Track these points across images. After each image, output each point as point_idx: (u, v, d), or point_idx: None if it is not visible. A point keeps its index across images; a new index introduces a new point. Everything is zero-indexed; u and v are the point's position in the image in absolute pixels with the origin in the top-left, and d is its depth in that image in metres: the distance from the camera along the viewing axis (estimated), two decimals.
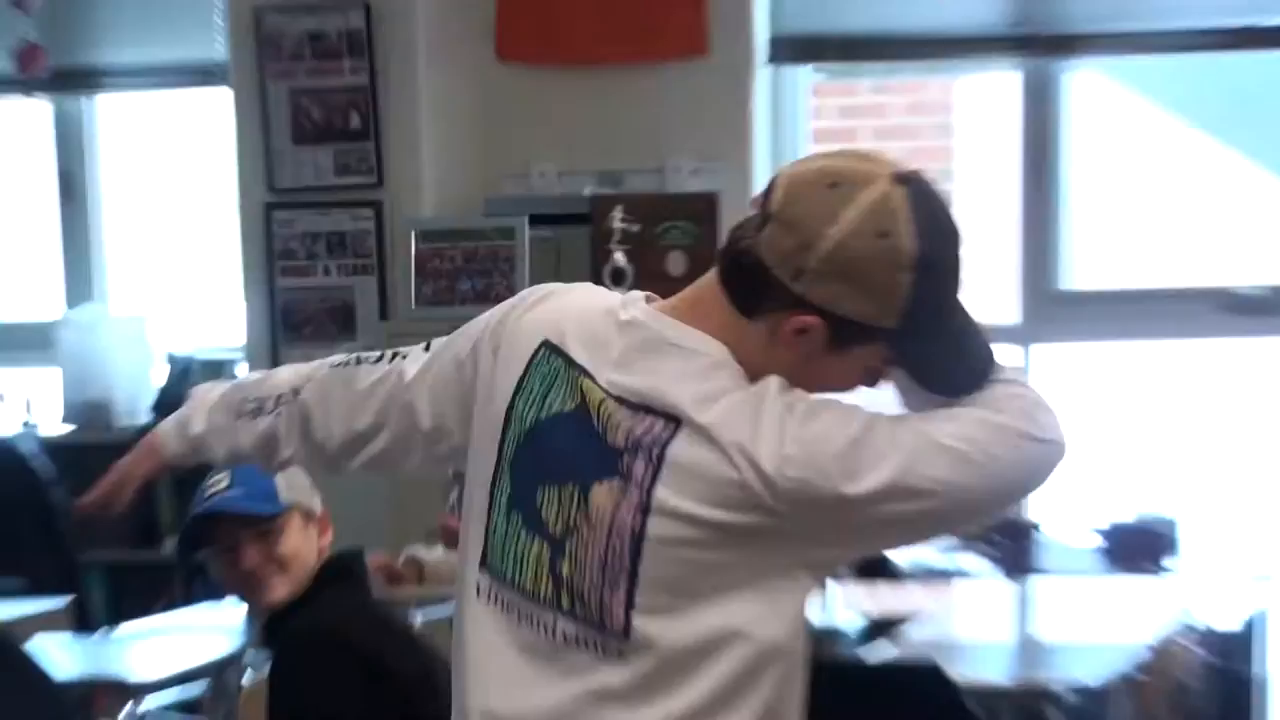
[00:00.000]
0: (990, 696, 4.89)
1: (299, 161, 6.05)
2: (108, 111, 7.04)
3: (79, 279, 7.13)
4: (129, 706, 5.31)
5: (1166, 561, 6.10)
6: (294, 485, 3.73)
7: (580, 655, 2.28)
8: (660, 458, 2.16)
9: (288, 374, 2.62)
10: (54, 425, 6.86)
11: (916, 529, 2.24)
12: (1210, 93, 6.90)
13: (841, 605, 6.08)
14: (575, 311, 2.34)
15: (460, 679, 2.45)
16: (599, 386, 2.24)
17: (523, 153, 6.26)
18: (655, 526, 2.17)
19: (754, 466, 2.11)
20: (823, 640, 6.12)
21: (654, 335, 2.22)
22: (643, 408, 2.19)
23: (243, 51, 6.12)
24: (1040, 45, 6.09)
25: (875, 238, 2.10)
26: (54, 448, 6.65)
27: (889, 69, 6.71)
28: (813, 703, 2.71)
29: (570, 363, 2.27)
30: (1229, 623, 5.65)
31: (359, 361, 2.54)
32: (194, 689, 5.68)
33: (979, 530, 6.13)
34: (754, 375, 2.18)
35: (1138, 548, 6.13)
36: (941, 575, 6.26)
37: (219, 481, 3.58)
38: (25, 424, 6.86)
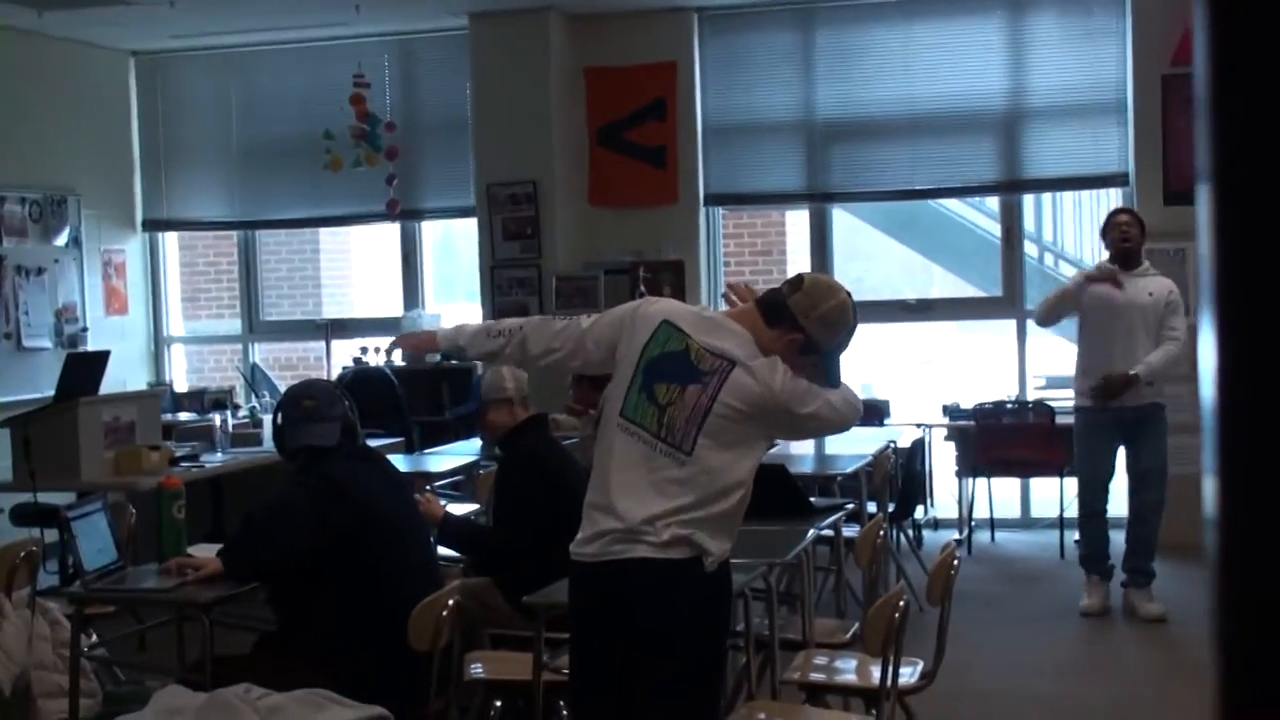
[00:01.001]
0: (807, 479, 8.01)
1: (507, 249, 11.64)
2: (425, 229, 12.64)
3: (411, 298, 12.37)
4: (427, 486, 7.85)
5: (884, 419, 11.01)
6: (491, 388, 6.29)
7: (664, 459, 4.04)
8: (725, 377, 3.98)
9: (514, 321, 4.37)
10: (397, 362, 11.61)
11: (810, 432, 4.54)
12: (889, 216, 13.24)
13: None
14: (680, 308, 4.18)
15: (604, 470, 4.11)
16: (695, 341, 4.03)
17: (600, 242, 11.66)
18: (716, 409, 3.99)
19: (769, 388, 3.98)
20: None
21: (722, 323, 4.08)
22: (717, 355, 4.01)
23: (481, 201, 11.65)
24: (819, 197, 11.68)
25: (838, 314, 4.08)
26: (398, 372, 11.56)
27: (756, 208, 12.75)
28: None
29: (680, 330, 4.05)
30: (907, 444, 9.82)
31: (553, 317, 4.34)
32: (459, 478, 9.00)
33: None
34: (763, 352, 4.04)
35: (869, 413, 10.40)
36: None
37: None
38: (385, 362, 11.74)
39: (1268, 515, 0.72)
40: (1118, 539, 8.95)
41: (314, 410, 5.54)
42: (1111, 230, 8.90)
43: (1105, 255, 9.03)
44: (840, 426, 4.26)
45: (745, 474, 4.14)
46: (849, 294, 4.24)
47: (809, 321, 4.11)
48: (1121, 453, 8.93)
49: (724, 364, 4.05)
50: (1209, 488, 0.75)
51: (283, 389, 7.66)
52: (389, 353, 9.21)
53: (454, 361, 11.88)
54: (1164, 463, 8.84)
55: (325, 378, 12.03)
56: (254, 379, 12.13)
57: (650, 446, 4.06)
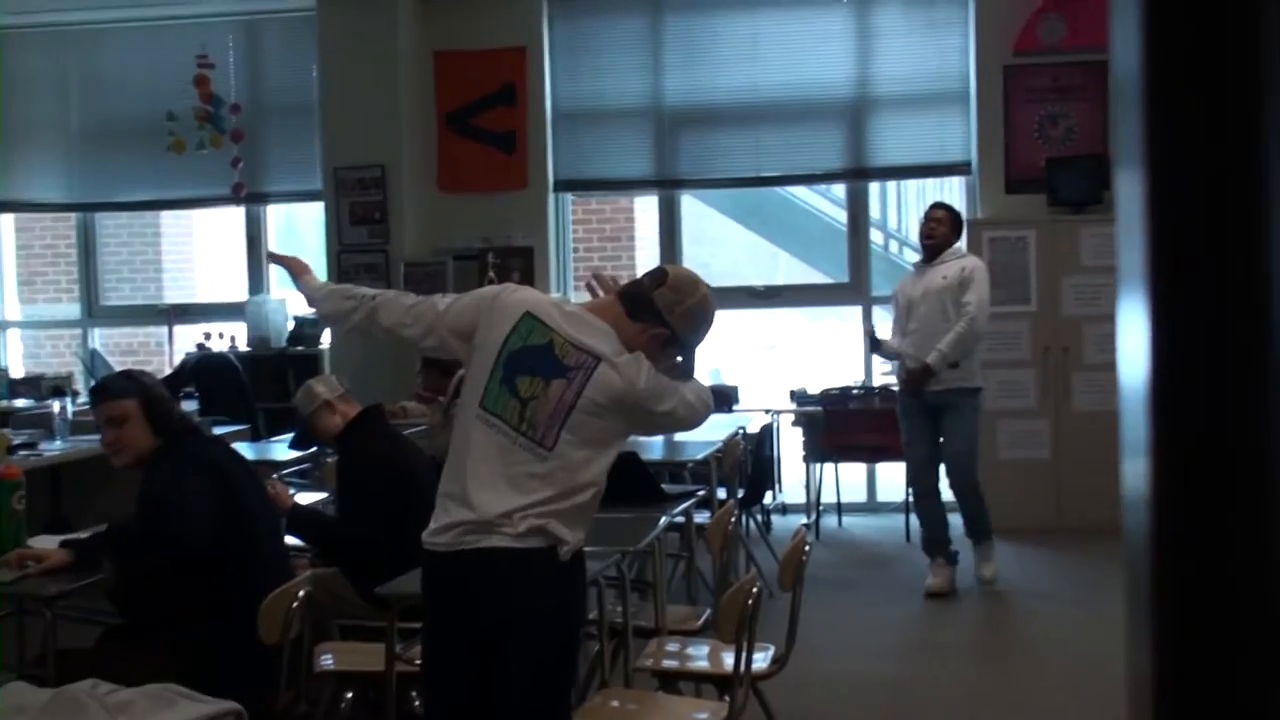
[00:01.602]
0: (658, 466, 7.95)
1: (355, 233, 11.58)
2: (270, 213, 12.49)
3: (255, 283, 12.36)
4: (274, 475, 7.47)
5: (733, 406, 11.17)
6: (305, 401, 6.27)
7: (523, 454, 4.00)
8: (590, 373, 3.97)
9: (369, 290, 4.34)
10: (242, 347, 11.78)
11: (665, 429, 4.31)
12: (736, 203, 13.34)
13: None
14: (542, 300, 4.12)
15: (460, 461, 4.06)
16: (560, 335, 4.00)
17: (449, 228, 11.63)
18: (581, 404, 3.98)
19: (633, 385, 3.99)
20: None
21: (585, 317, 4.05)
22: (583, 350, 4.00)
23: (329, 185, 11.56)
24: (667, 184, 11.78)
25: (702, 309, 4.10)
26: (242, 357, 11.59)
27: (605, 194, 12.74)
28: None
29: (543, 323, 4.03)
30: (756, 430, 9.83)
31: (409, 294, 4.31)
32: (306, 465, 8.80)
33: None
34: (626, 346, 4.02)
35: (718, 399, 11.77)
36: None
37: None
38: (230, 347, 11.84)
39: (1201, 496, 0.73)
40: (956, 520, 9.10)
41: (168, 392, 5.51)
42: (921, 225, 9.13)
43: (915, 257, 9.51)
44: (694, 423, 4.20)
45: (604, 469, 4.13)
46: (708, 287, 4.22)
47: (674, 317, 4.10)
48: None
49: (590, 360, 4.03)
50: (1135, 470, 0.74)
51: None
52: (269, 261, 8.98)
53: (300, 347, 11.82)
54: (968, 446, 8.94)
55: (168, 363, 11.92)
56: (93, 365, 11.90)
57: (510, 439, 4.03)
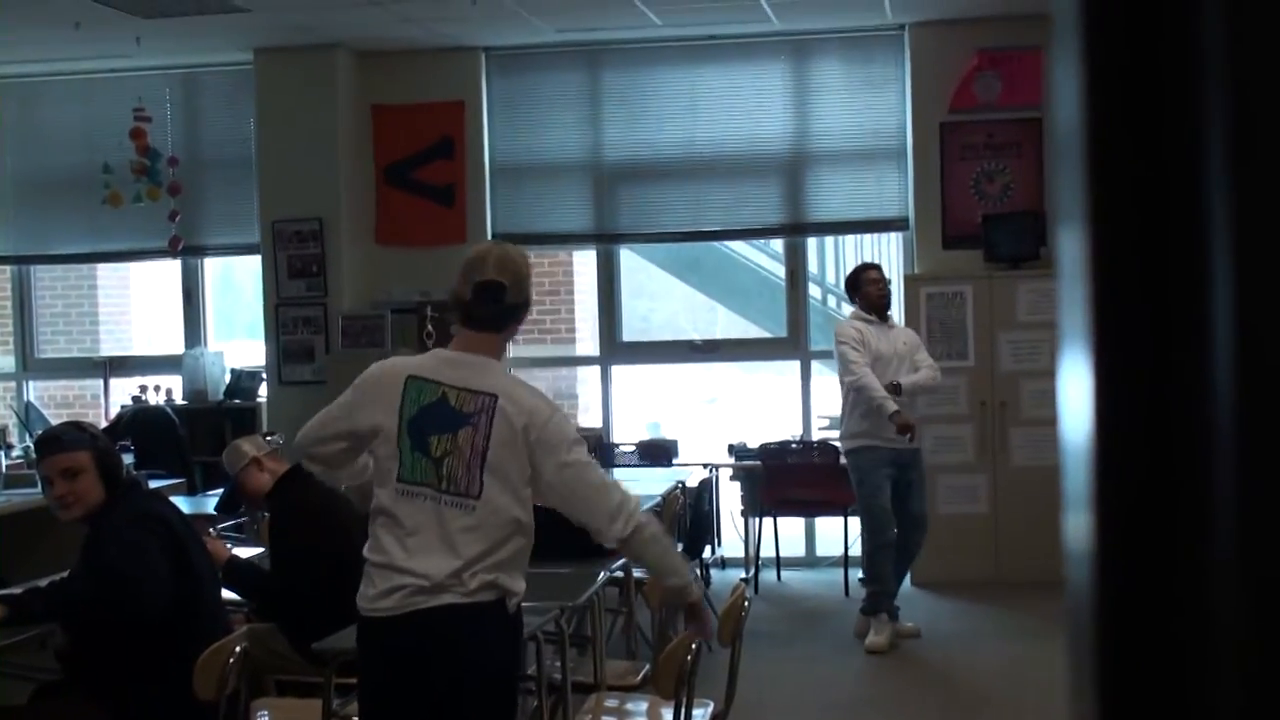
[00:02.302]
0: None
1: (293, 286, 11.57)
2: (208, 265, 12.46)
3: (193, 336, 12.29)
4: (211, 529, 7.60)
5: (671, 460, 11.23)
6: (232, 461, 6.28)
7: (453, 510, 4.03)
8: (492, 414, 4.02)
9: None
10: (178, 400, 11.75)
11: (567, 483, 4.09)
12: (675, 257, 13.41)
13: None
14: (416, 361, 4.18)
15: (391, 537, 4.08)
16: (449, 386, 4.01)
17: (387, 280, 11.64)
18: (493, 444, 4.04)
19: (534, 414, 4.08)
20: None
21: (466, 360, 4.08)
22: (478, 393, 4.02)
23: (266, 238, 11.58)
24: (605, 238, 11.79)
25: (524, 264, 4.27)
26: (179, 410, 11.53)
27: (544, 248, 12.82)
28: None
29: (429, 381, 4.05)
30: (695, 484, 9.87)
31: (322, 422, 4.27)
32: (243, 519, 8.58)
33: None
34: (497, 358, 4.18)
35: (657, 453, 11.35)
36: None
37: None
38: (166, 400, 11.82)
39: (1143, 550, 0.72)
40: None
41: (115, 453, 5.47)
42: (868, 286, 9.23)
43: (849, 309, 9.48)
44: (607, 498, 4.16)
45: (530, 508, 4.16)
46: (506, 245, 4.42)
47: (525, 295, 4.27)
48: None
49: (487, 399, 4.07)
50: (1077, 524, 0.75)
51: None
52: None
53: (237, 400, 11.77)
54: (926, 506, 9.28)
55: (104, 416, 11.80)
56: (28, 418, 11.79)
57: (436, 502, 4.07)
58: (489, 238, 11.72)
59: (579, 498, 4.11)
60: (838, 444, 10.35)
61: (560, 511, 4.22)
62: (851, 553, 10.47)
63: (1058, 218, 0.75)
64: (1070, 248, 0.72)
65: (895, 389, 8.83)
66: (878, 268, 9.44)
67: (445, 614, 4.02)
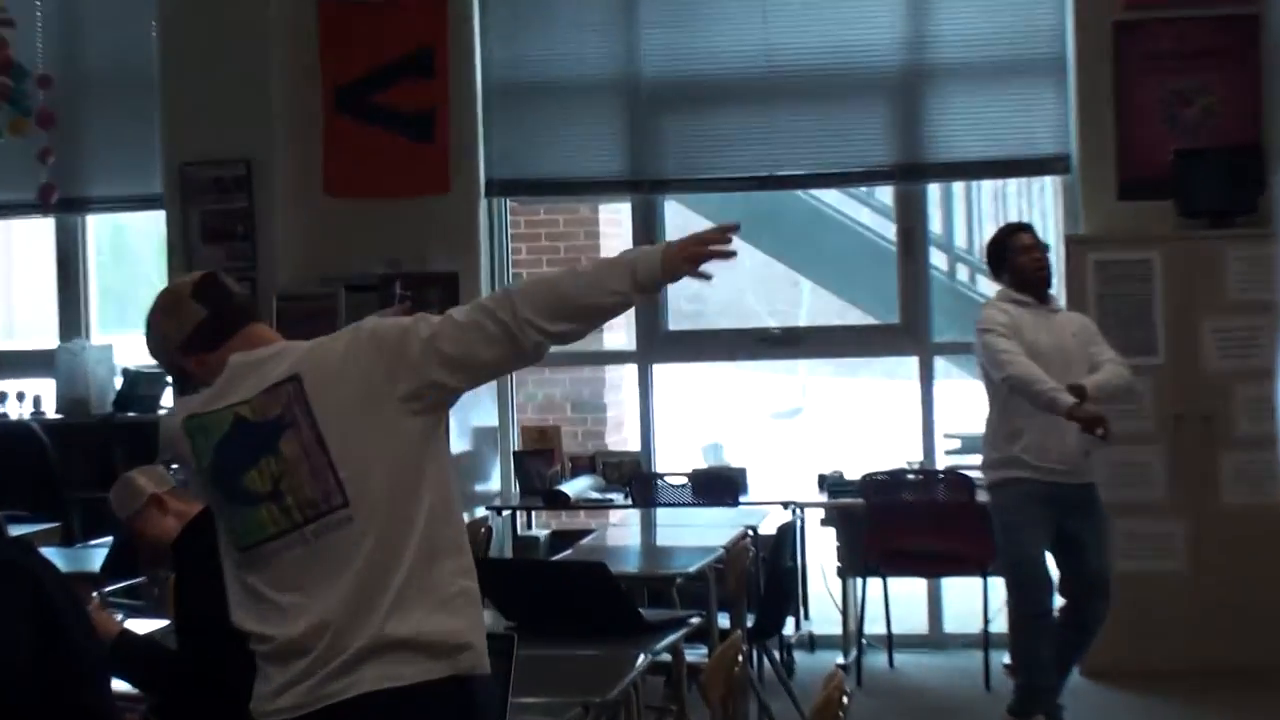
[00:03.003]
0: (634, 581, 8.27)
1: (210, 255, 11.27)
2: (91, 225, 12.49)
3: (70, 324, 12.27)
4: (95, 593, 7.40)
5: (738, 497, 11.10)
6: (124, 502, 6.24)
7: (327, 536, 4.13)
8: (303, 395, 4.16)
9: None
10: (51, 414, 11.69)
11: (440, 352, 4.16)
12: (741, 212, 13.35)
13: (534, 525, 11.98)
14: (189, 401, 4.33)
15: (261, 615, 4.20)
16: (236, 405, 4.19)
17: (341, 247, 11.53)
18: (323, 428, 4.15)
19: (351, 349, 4.18)
20: (524, 546, 12.09)
21: (249, 361, 4.23)
22: (274, 387, 4.17)
23: (173, 188, 11.52)
24: (645, 186, 11.72)
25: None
26: (50, 427, 11.50)
27: (558, 200, 12.80)
28: (515, 592, 6.90)
29: (211, 412, 4.23)
30: (771, 532, 9.88)
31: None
32: (138, 580, 8.41)
33: (620, 481, 11.64)
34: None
35: (718, 487, 11.20)
36: (598, 505, 11.53)
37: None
38: (33, 412, 11.74)
39: None
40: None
41: None
42: (1019, 255, 9.20)
43: (995, 286, 9.45)
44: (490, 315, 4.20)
45: (425, 479, 4.20)
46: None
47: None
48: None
49: (289, 386, 4.19)
50: None
51: None
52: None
53: (131, 414, 11.76)
54: (1108, 562, 9.21)
55: None
56: None
57: (299, 541, 4.15)
58: (481, 186, 11.89)
59: (466, 344, 4.19)
60: (975, 474, 10.27)
61: (466, 378, 4.25)
62: (994, 628, 10.40)
63: None
64: None
65: (1078, 392, 8.74)
66: (1030, 229, 9.41)
67: (375, 703, 4.04)
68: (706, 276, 4.30)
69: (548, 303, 4.16)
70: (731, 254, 4.31)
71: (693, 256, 4.24)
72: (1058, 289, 9.91)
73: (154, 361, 4.53)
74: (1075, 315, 9.45)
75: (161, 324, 4.38)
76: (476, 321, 4.15)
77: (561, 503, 11.46)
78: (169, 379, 4.41)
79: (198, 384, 4.32)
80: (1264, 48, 10.89)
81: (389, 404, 4.17)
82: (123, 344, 12.54)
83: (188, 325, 4.32)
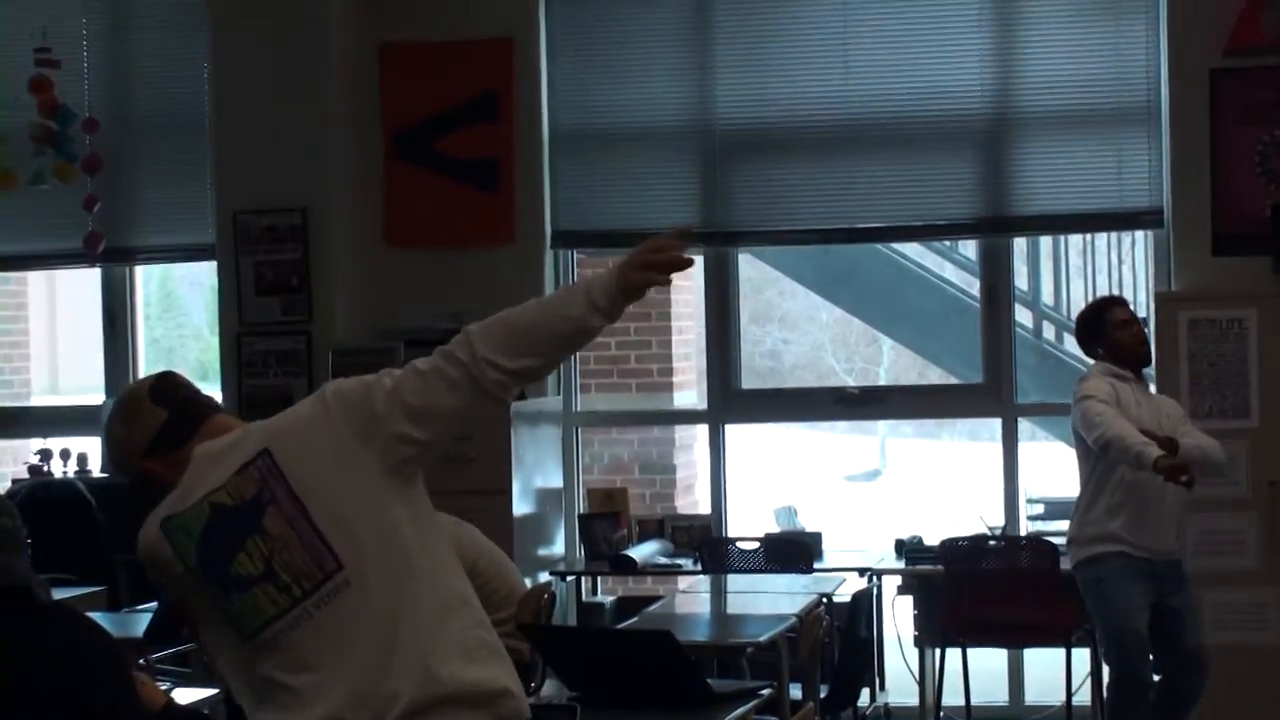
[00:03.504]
0: (703, 651, 8.43)
1: (263, 307, 11.54)
2: (139, 275, 12.50)
3: (117, 378, 12.21)
4: (141, 660, 8.12)
5: (812, 563, 11.05)
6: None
7: (330, 607, 4.17)
8: (276, 468, 4.23)
9: None
10: (97, 473, 11.80)
11: (402, 409, 4.27)
12: (819, 266, 13.42)
13: (600, 591, 12.05)
14: (164, 502, 4.31)
15: (284, 704, 4.21)
16: (210, 494, 4.24)
17: (399, 300, 11.54)
18: (304, 497, 4.20)
19: (315, 415, 4.29)
20: (589, 613, 12.08)
21: (222, 444, 4.31)
22: (242, 468, 4.24)
23: (225, 237, 11.62)
24: (718, 238, 11.77)
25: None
26: (95, 487, 11.54)
27: (624, 251, 12.89)
28: (579, 661, 7.16)
29: (188, 507, 4.25)
30: (846, 599, 10.03)
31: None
32: (187, 646, 8.86)
33: (689, 545, 11.69)
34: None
35: (792, 553, 11.18)
36: (667, 570, 11.55)
37: None
38: (77, 471, 11.83)
39: None
40: None
41: (10, 534, 5.39)
42: (1118, 330, 9.40)
43: (1092, 360, 9.60)
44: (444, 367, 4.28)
45: (405, 524, 4.27)
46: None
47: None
48: None
49: (260, 461, 4.26)
50: None
51: None
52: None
53: None
54: (1203, 638, 9.35)
55: None
56: None
57: (305, 618, 4.20)
58: (547, 237, 11.92)
59: (429, 393, 4.24)
60: (1058, 539, 10.28)
61: (433, 430, 4.29)
62: (1078, 699, 10.41)
63: None
64: None
65: (1168, 445, 8.78)
66: (1124, 303, 9.65)
67: None
68: (665, 281, 4.34)
69: (504, 338, 4.21)
70: (689, 263, 4.37)
71: (649, 264, 4.27)
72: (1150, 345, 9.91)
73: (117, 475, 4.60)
74: (1167, 398, 9.60)
75: (122, 433, 4.44)
76: (437, 368, 4.22)
77: (628, 568, 11.47)
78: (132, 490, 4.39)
79: (162, 489, 4.33)
80: None
81: (363, 463, 4.24)
82: None
83: (150, 428, 4.39)
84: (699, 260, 12.17)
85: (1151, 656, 9.21)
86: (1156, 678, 9.22)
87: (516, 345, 4.21)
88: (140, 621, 9.24)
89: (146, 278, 13.11)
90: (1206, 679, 9.24)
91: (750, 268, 12.60)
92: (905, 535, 11.46)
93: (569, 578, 11.71)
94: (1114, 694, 9.30)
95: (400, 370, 4.28)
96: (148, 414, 4.39)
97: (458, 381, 4.19)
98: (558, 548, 11.90)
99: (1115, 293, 12.25)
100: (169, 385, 4.47)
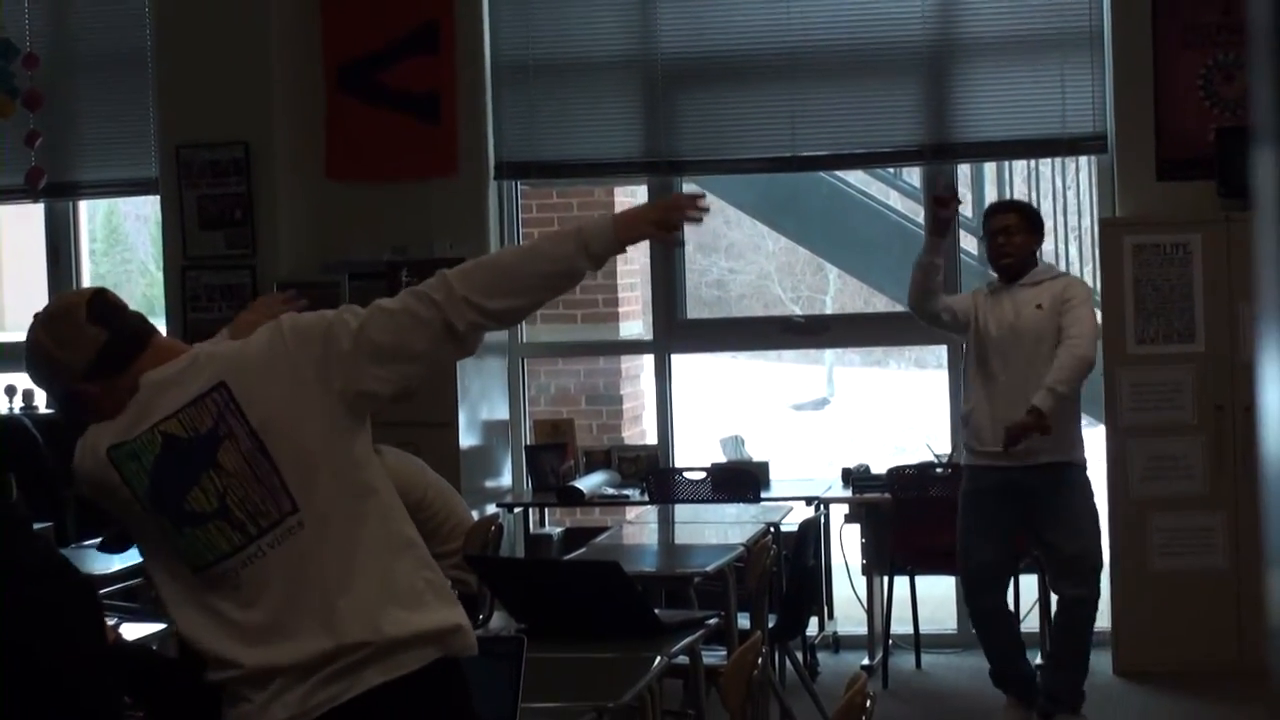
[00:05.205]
0: (650, 581, 8.35)
1: (207, 241, 11.64)
2: (83, 210, 12.50)
3: None
4: None
5: (759, 492, 11.17)
6: None
7: (285, 546, 4.17)
8: (234, 402, 4.20)
9: None
10: (43, 408, 11.72)
11: (371, 343, 4.25)
12: (763, 194, 13.47)
13: (547, 522, 12.13)
14: (104, 428, 4.25)
15: (226, 638, 4.22)
16: (161, 423, 4.20)
17: (343, 234, 11.64)
18: (262, 432, 4.19)
19: (274, 347, 4.26)
20: (537, 545, 12.15)
21: (170, 370, 4.24)
22: (197, 400, 4.20)
23: (168, 171, 11.65)
24: (662, 168, 11.78)
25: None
26: (41, 423, 11.47)
27: (572, 183, 12.88)
28: (527, 592, 7.22)
29: (131, 439, 4.20)
30: (794, 528, 10.05)
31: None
32: (135, 581, 8.79)
33: (636, 476, 11.85)
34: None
35: (739, 483, 11.32)
36: (614, 501, 11.66)
37: None
38: (23, 407, 11.88)
39: None
40: None
41: None
42: (987, 239, 9.64)
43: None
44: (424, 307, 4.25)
45: (361, 464, 4.30)
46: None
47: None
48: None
49: (217, 394, 4.23)
50: (1277, 582, 0.76)
51: None
52: None
53: None
54: (1093, 543, 9.46)
55: None
56: None
57: (257, 554, 4.20)
58: (490, 169, 11.92)
59: (397, 331, 4.24)
60: None
61: (396, 372, 4.29)
62: (1027, 625, 10.50)
63: (1257, 134, 0.77)
64: (1267, 179, 0.72)
65: (1038, 419, 8.94)
66: (1013, 209, 9.83)
67: (377, 701, 4.12)
68: (679, 242, 4.39)
69: (485, 278, 4.20)
70: (698, 219, 4.44)
71: (661, 221, 4.34)
72: (1089, 270, 10.02)
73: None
74: (1051, 286, 9.43)
75: (59, 352, 4.27)
76: (408, 307, 4.20)
77: (575, 499, 11.54)
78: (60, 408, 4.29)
79: (94, 412, 4.26)
80: None
81: (322, 401, 4.24)
82: None
83: (89, 351, 4.25)
84: (642, 189, 12.22)
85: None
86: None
87: (498, 285, 4.20)
88: (88, 556, 9.22)
89: (91, 212, 13.09)
90: (1083, 589, 9.34)
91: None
92: (852, 464, 11.53)
93: (516, 509, 11.79)
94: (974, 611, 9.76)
95: (365, 309, 4.26)
96: (87, 334, 4.24)
97: (429, 321, 4.17)
98: (504, 479, 11.94)
99: (1069, 221, 12.42)
100: (107, 304, 4.34)
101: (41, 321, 4.36)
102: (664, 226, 4.35)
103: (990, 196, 14.40)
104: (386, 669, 4.13)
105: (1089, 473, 9.52)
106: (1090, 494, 9.48)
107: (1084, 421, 9.54)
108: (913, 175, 12.89)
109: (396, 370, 4.22)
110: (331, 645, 4.11)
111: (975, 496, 9.40)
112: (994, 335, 9.25)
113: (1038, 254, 9.68)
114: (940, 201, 9.56)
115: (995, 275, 9.59)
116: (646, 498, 11.45)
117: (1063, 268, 10.98)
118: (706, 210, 4.52)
